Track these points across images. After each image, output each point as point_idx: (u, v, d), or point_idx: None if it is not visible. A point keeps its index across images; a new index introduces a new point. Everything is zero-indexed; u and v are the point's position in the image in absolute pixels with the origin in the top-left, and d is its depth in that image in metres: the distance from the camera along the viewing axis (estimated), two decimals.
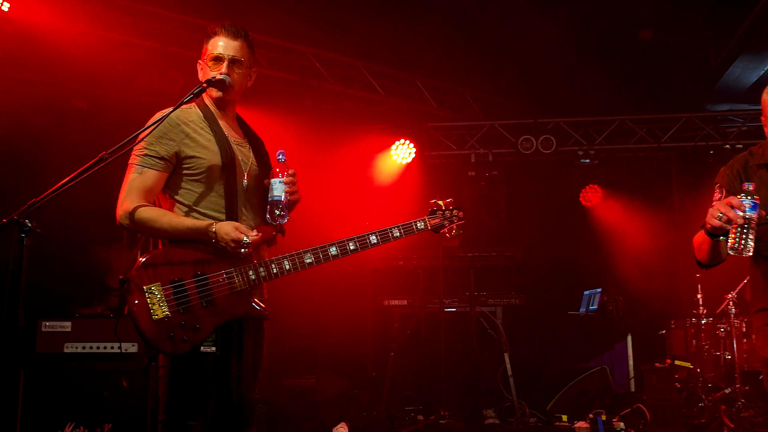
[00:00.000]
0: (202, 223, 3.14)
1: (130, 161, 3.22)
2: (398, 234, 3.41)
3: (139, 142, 3.16)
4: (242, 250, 3.11)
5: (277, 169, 3.24)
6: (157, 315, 3.00)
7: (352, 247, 3.32)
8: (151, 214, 3.15)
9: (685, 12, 8.15)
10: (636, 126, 10.13)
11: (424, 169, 10.11)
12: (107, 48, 7.80)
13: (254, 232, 3.14)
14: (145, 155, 3.19)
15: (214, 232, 3.10)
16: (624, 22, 8.67)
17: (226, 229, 3.10)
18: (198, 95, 3.25)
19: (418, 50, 9.13)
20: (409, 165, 10.02)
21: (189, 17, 8.27)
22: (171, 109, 3.19)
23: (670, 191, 10.28)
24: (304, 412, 7.39)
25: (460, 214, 3.59)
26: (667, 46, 8.97)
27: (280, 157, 3.25)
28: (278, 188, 3.22)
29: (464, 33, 8.88)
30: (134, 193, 3.17)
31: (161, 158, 3.19)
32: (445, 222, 3.56)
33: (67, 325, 5.78)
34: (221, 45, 3.32)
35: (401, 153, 9.99)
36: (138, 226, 3.14)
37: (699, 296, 8.11)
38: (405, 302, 8.38)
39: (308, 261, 3.25)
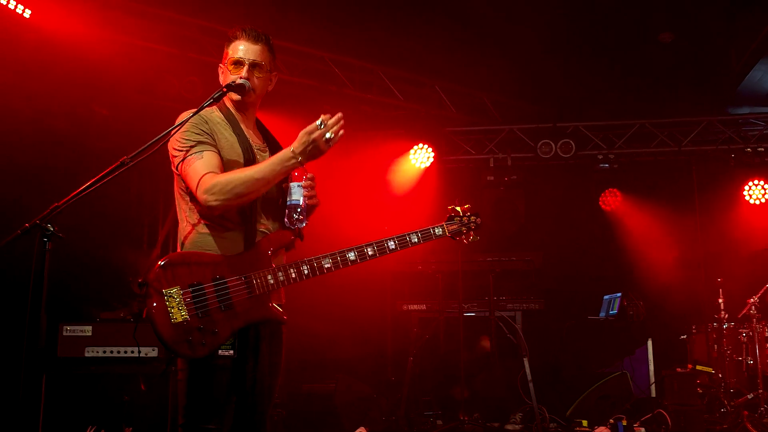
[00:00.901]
0: (280, 153, 3.15)
1: (182, 158, 3.16)
2: (416, 240, 3.40)
3: (163, 143, 3.11)
4: (328, 135, 3.15)
5: (296, 173, 3.22)
6: (176, 319, 2.99)
7: (370, 253, 3.30)
8: (230, 174, 3.12)
9: (705, 14, 8.10)
10: (656, 130, 10.05)
11: (442, 174, 10.09)
12: (127, 54, 7.85)
13: (327, 116, 3.17)
14: (194, 144, 3.16)
15: (293, 150, 3.11)
16: (644, 26, 8.62)
17: (300, 138, 3.12)
18: (218, 99, 3.24)
19: (437, 55, 9.12)
20: (427, 169, 10.01)
21: (208, 23, 8.31)
22: (194, 111, 3.18)
23: (690, 195, 10.18)
24: (323, 416, 7.41)
25: (478, 220, 3.58)
26: (687, 49, 8.92)
27: None
28: (297, 192, 3.22)
29: (482, 37, 8.86)
30: (207, 171, 3.11)
31: (210, 142, 3.18)
32: (463, 228, 3.54)
33: (88, 330, 5.83)
34: (242, 49, 3.32)
35: (419, 157, 9.99)
36: (225, 195, 3.07)
37: (720, 301, 8.04)
38: (424, 307, 8.39)
39: (327, 266, 3.24)
